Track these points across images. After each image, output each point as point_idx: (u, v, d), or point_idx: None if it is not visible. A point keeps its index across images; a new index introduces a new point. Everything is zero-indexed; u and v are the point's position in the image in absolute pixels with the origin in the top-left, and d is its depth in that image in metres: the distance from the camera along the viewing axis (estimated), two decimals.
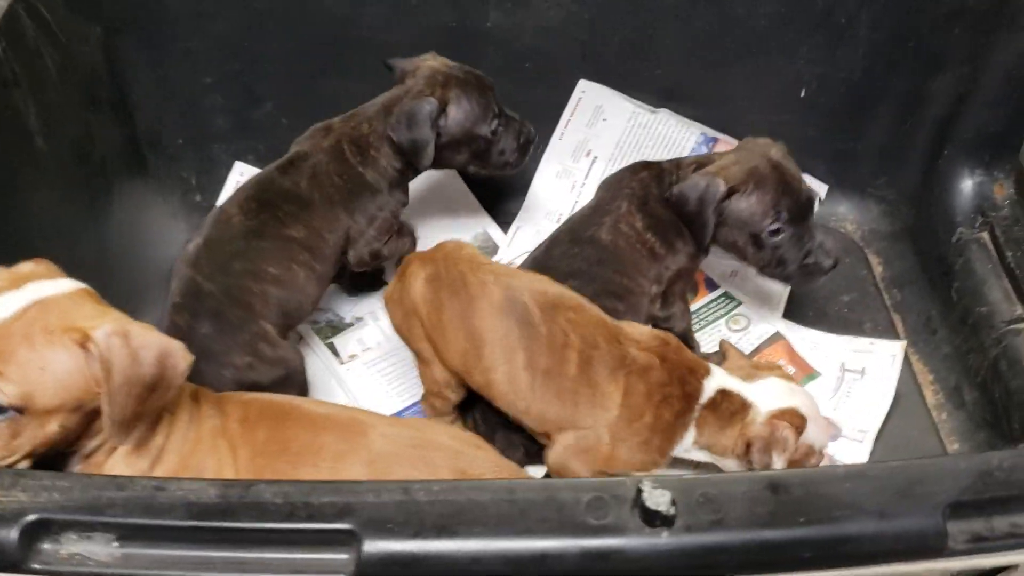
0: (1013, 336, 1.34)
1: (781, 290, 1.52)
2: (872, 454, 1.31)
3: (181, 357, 0.94)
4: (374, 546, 0.67)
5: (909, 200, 1.61)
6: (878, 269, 1.61)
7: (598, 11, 1.53)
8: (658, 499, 0.68)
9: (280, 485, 0.71)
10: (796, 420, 1.13)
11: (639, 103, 1.63)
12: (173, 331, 1.17)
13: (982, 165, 1.51)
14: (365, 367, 1.45)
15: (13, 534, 0.67)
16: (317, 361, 1.45)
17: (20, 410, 0.86)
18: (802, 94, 1.59)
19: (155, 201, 1.56)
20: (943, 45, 1.48)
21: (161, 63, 1.52)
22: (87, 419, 0.91)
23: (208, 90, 1.56)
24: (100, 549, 0.68)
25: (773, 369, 1.23)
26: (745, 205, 1.26)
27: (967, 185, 1.51)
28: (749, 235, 1.28)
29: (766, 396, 1.16)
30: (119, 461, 0.94)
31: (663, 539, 0.68)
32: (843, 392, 1.39)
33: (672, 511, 0.68)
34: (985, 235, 1.47)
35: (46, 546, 0.68)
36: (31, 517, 0.68)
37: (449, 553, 0.68)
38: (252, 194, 1.31)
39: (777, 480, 0.71)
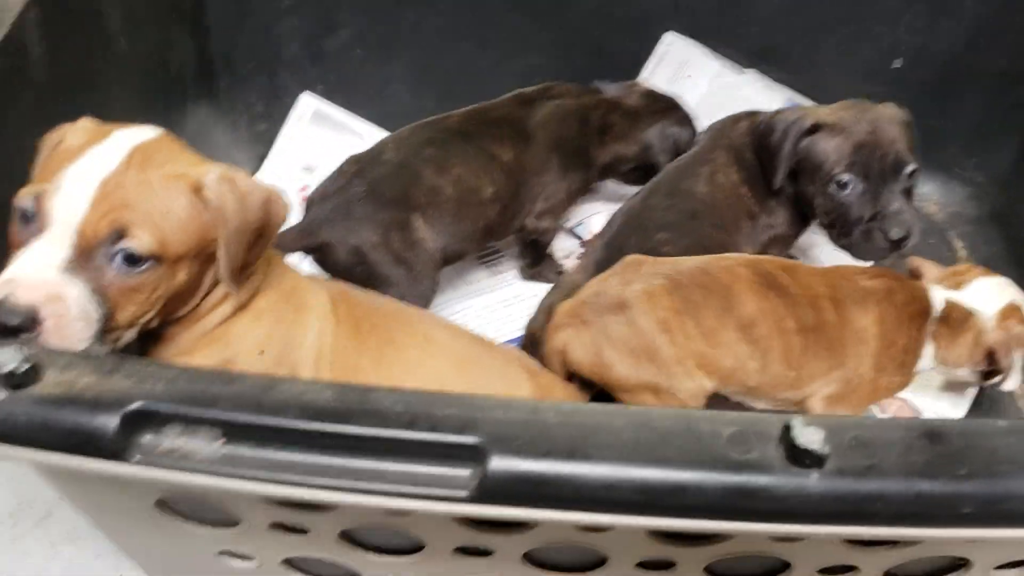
0: None
1: None
2: None
3: (282, 204, 0.90)
4: (501, 463, 0.62)
5: (999, 183, 1.55)
6: (962, 254, 1.55)
7: None
8: (810, 436, 0.63)
9: (402, 393, 0.65)
10: (1020, 313, 1.16)
11: (727, 61, 1.57)
12: (336, 175, 1.26)
13: None
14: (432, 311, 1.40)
15: (113, 422, 0.62)
16: None
17: (157, 258, 0.81)
18: (897, 64, 1.53)
19: (222, 124, 1.52)
20: None
21: None
22: (203, 270, 0.86)
23: (284, 13, 1.51)
24: (204, 446, 0.63)
25: (970, 270, 1.22)
26: (823, 146, 1.22)
27: None
28: (820, 182, 1.23)
29: (984, 298, 1.16)
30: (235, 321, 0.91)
31: (813, 480, 0.62)
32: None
33: (825, 450, 0.63)
34: None
35: (147, 438, 0.63)
36: (134, 406, 0.63)
37: (580, 476, 0.62)
38: (480, 108, 1.38)
39: (935, 428, 0.66)
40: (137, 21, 1.23)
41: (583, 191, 1.45)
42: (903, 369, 1.16)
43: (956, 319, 1.15)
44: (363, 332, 0.97)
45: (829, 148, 1.20)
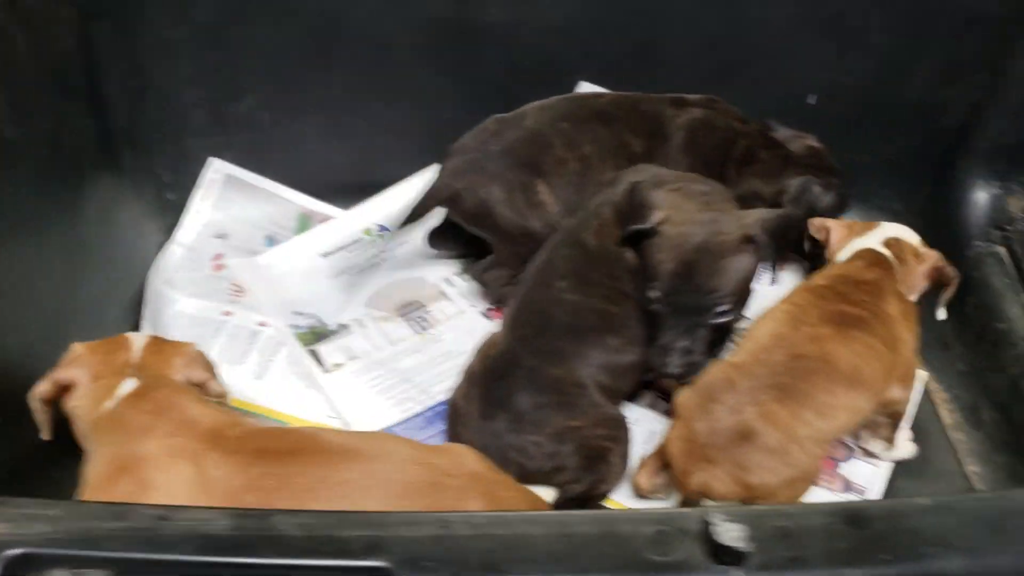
0: None
1: None
2: (891, 476, 1.26)
3: None
4: None
5: (918, 212, 1.56)
6: None
7: (602, 10, 1.47)
8: (730, 534, 0.61)
9: (302, 516, 0.62)
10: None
11: None
12: (478, 131, 1.39)
13: (997, 177, 1.47)
14: (353, 376, 1.35)
15: None
16: (296, 370, 1.36)
17: None
18: (811, 101, 1.54)
19: (128, 197, 1.46)
20: (959, 52, 1.43)
21: (137, 52, 1.42)
22: None
23: (186, 82, 1.47)
24: None
25: (865, 223, 1.30)
26: (652, 252, 1.18)
27: (982, 197, 1.47)
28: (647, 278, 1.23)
29: (901, 231, 1.26)
30: None
31: None
32: None
33: (746, 547, 0.61)
34: (1002, 249, 1.42)
35: None
36: (14, 552, 0.58)
37: None
38: (632, 96, 1.44)
39: (857, 512, 0.64)
40: (25, 107, 1.18)
41: None
42: (915, 325, 1.21)
43: (899, 251, 1.23)
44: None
45: (655, 259, 1.16)
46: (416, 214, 1.39)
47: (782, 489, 1.06)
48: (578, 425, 1.16)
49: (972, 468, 1.29)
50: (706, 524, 0.62)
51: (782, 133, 1.49)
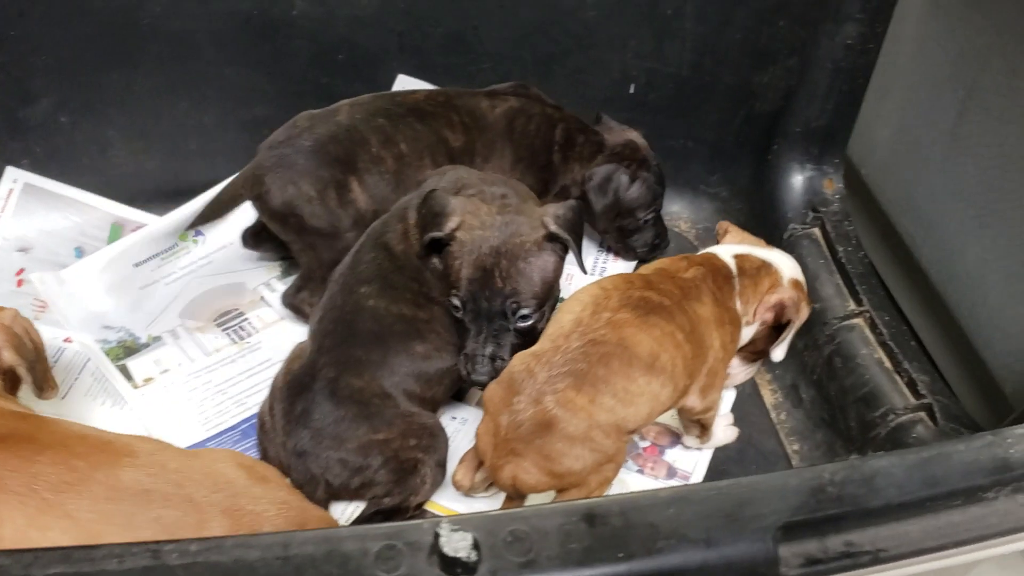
0: (846, 332, 1.31)
1: None
2: (712, 459, 1.27)
3: None
4: None
5: (742, 197, 1.58)
6: None
7: (415, 0, 1.43)
8: (457, 544, 0.58)
9: None
10: (804, 292, 1.24)
11: None
12: (289, 126, 1.31)
13: (811, 160, 1.49)
14: (164, 391, 1.29)
15: None
16: (103, 387, 1.29)
17: None
18: (631, 90, 1.54)
19: None
20: (769, 38, 1.45)
21: None
22: None
23: None
24: None
25: (763, 242, 1.30)
26: (449, 261, 1.16)
27: (797, 180, 1.49)
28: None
29: (782, 261, 1.24)
30: None
31: None
32: None
33: (474, 557, 0.58)
34: (816, 230, 1.44)
35: None
36: None
37: None
38: (448, 91, 1.39)
39: (594, 509, 0.62)
40: None
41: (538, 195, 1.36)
42: (733, 338, 1.20)
43: (751, 268, 1.22)
44: None
45: (454, 267, 1.13)
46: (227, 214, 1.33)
47: (590, 474, 1.05)
48: (384, 438, 1.12)
49: (794, 447, 1.31)
50: (436, 536, 0.59)
51: (610, 125, 1.48)
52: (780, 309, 1.22)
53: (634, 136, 1.47)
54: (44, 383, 1.08)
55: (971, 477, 0.67)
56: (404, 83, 1.51)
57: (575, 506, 0.63)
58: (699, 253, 1.26)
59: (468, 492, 1.16)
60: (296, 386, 1.15)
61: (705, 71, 1.50)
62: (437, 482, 1.17)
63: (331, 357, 1.15)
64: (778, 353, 1.25)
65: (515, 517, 0.62)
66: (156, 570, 0.57)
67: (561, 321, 1.09)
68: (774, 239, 1.47)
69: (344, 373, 1.14)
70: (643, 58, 1.50)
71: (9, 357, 1.02)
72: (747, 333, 1.24)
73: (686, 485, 1.18)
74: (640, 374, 1.05)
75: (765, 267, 1.23)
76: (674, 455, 1.28)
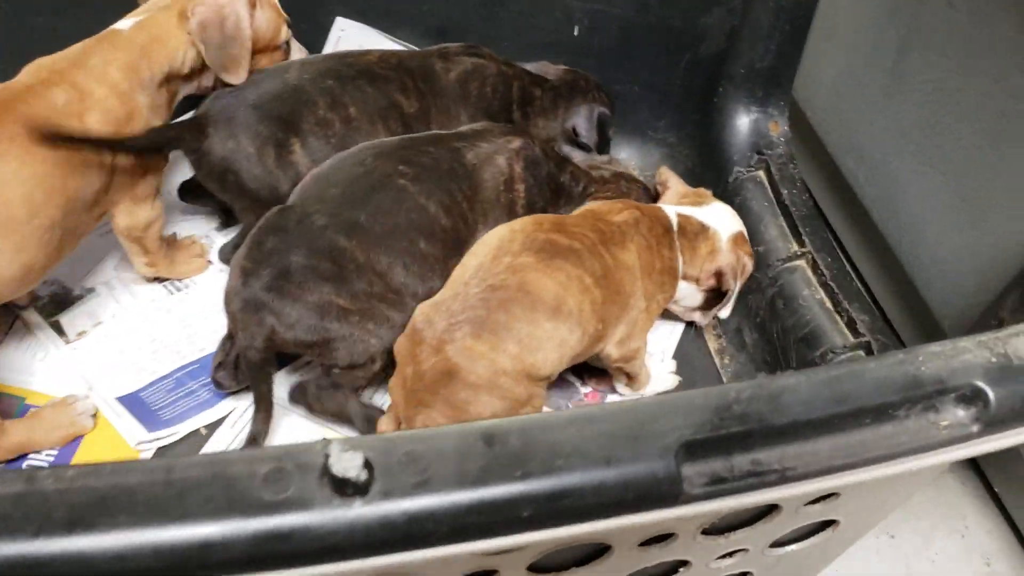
0: (788, 274, 1.31)
1: None
2: None
3: None
4: None
5: (689, 142, 1.57)
6: None
7: None
8: (346, 464, 0.57)
9: None
10: (746, 245, 1.25)
11: (404, 44, 1.50)
12: None
13: (756, 102, 1.47)
14: (96, 344, 1.27)
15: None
16: (35, 345, 1.26)
17: None
18: (575, 32, 1.51)
19: None
20: None
21: None
22: None
23: None
24: None
25: (708, 195, 1.31)
26: None
27: (743, 123, 1.48)
28: None
29: (720, 220, 1.24)
30: None
31: (355, 509, 0.56)
32: None
33: (364, 476, 0.57)
34: (761, 173, 1.43)
35: None
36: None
37: (83, 552, 0.54)
38: (400, 53, 1.35)
39: (492, 430, 0.61)
40: None
41: None
42: (665, 288, 1.21)
43: (691, 231, 1.22)
44: None
45: None
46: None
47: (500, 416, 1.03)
48: (344, 306, 1.07)
49: None
50: (326, 457, 0.57)
51: (545, 69, 1.46)
52: (720, 276, 1.22)
53: (562, 67, 1.47)
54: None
55: (881, 394, 0.66)
56: (342, 26, 1.48)
57: (473, 427, 0.61)
58: (649, 205, 1.25)
59: None
60: (272, 225, 1.10)
61: (651, 12, 1.48)
62: (380, 376, 1.15)
63: (327, 207, 1.10)
64: (724, 311, 1.27)
65: (411, 438, 0.60)
66: (31, 496, 0.55)
67: (466, 265, 1.07)
68: (719, 183, 1.46)
69: (334, 227, 1.08)
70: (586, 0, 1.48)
71: None
72: (689, 290, 1.24)
73: (590, 405, 1.16)
74: (545, 319, 1.03)
75: (704, 231, 1.23)
76: (615, 401, 1.27)
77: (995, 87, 1.10)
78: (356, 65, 1.28)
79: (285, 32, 1.31)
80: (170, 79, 1.20)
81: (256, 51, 1.27)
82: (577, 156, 1.42)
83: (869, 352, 1.17)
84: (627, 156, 1.61)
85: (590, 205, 1.21)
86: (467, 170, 1.19)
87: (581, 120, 1.44)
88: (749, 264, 1.26)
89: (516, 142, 1.24)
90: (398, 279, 1.11)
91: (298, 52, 1.36)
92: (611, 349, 1.15)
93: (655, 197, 1.38)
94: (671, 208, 1.25)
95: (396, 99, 1.28)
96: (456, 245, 1.15)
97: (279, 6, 1.31)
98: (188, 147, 1.22)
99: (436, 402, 1.01)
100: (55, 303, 1.30)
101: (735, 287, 1.25)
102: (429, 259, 1.13)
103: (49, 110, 1.05)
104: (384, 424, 1.12)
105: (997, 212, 1.13)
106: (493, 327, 1.01)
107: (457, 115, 1.33)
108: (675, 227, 1.22)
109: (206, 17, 1.19)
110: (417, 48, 1.48)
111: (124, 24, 1.18)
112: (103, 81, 1.11)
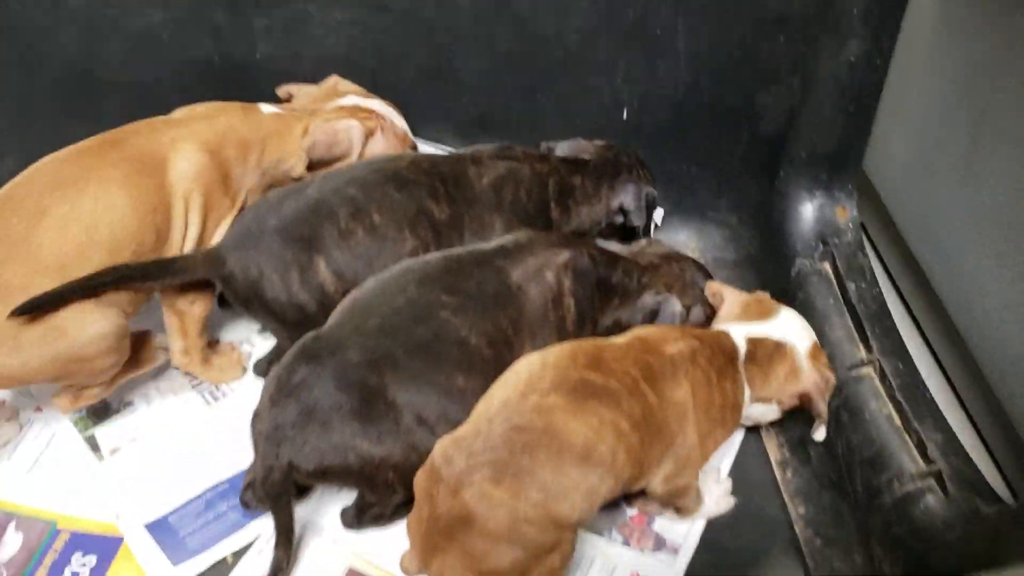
0: (855, 383, 1.19)
1: None
2: (706, 528, 1.16)
3: None
4: None
5: (751, 224, 1.46)
6: None
7: (384, 36, 1.35)
8: None
9: None
10: (823, 356, 1.14)
11: (440, 146, 1.45)
12: (260, 202, 1.23)
13: (820, 186, 1.36)
14: (129, 460, 1.24)
15: None
16: (68, 462, 1.24)
17: None
18: (624, 116, 1.43)
19: None
20: (769, 55, 1.33)
21: None
22: None
23: None
24: None
25: (770, 300, 1.19)
26: None
27: (807, 209, 1.37)
28: None
29: (793, 334, 1.13)
30: None
31: None
32: None
33: None
34: (827, 265, 1.32)
35: None
36: None
37: None
38: (431, 157, 1.30)
39: None
40: None
41: None
42: (726, 424, 1.10)
43: (764, 354, 1.11)
44: None
45: None
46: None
47: (527, 570, 0.95)
48: (367, 450, 1.02)
49: (799, 510, 1.19)
50: None
51: (564, 148, 1.39)
52: (805, 398, 1.12)
53: (598, 142, 1.40)
54: None
55: None
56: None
57: None
58: (709, 330, 1.15)
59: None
60: (306, 353, 1.05)
61: (703, 91, 1.40)
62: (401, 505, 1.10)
63: (364, 341, 1.04)
64: (818, 435, 1.15)
65: None
66: None
67: (492, 398, 1.00)
68: (782, 275, 1.36)
69: (367, 363, 1.03)
70: (634, 81, 1.41)
71: None
72: (765, 409, 1.15)
73: None
74: (572, 466, 0.94)
75: (779, 351, 1.12)
76: (663, 525, 1.17)
77: None
78: (384, 171, 1.23)
79: None
80: (276, 172, 1.28)
81: None
82: (613, 245, 1.32)
83: (940, 482, 1.05)
84: (686, 238, 1.52)
85: (639, 332, 1.11)
86: (512, 292, 1.12)
87: (629, 199, 1.36)
88: (832, 379, 1.14)
89: (564, 254, 1.17)
90: (432, 416, 1.05)
91: None
92: (656, 485, 1.07)
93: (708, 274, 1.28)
94: (739, 329, 1.14)
95: (426, 205, 1.23)
96: (499, 371, 1.07)
97: (408, 135, 1.32)
98: (206, 276, 1.19)
99: (452, 548, 0.94)
100: (94, 415, 1.29)
101: (824, 407, 1.12)
102: (467, 394, 1.06)
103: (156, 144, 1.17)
104: (406, 561, 1.06)
105: None
106: (516, 472, 0.93)
107: (491, 223, 1.27)
108: (742, 354, 1.11)
109: (319, 140, 1.28)
110: (453, 149, 1.43)
111: (267, 108, 1.28)
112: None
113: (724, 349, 1.10)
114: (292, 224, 1.18)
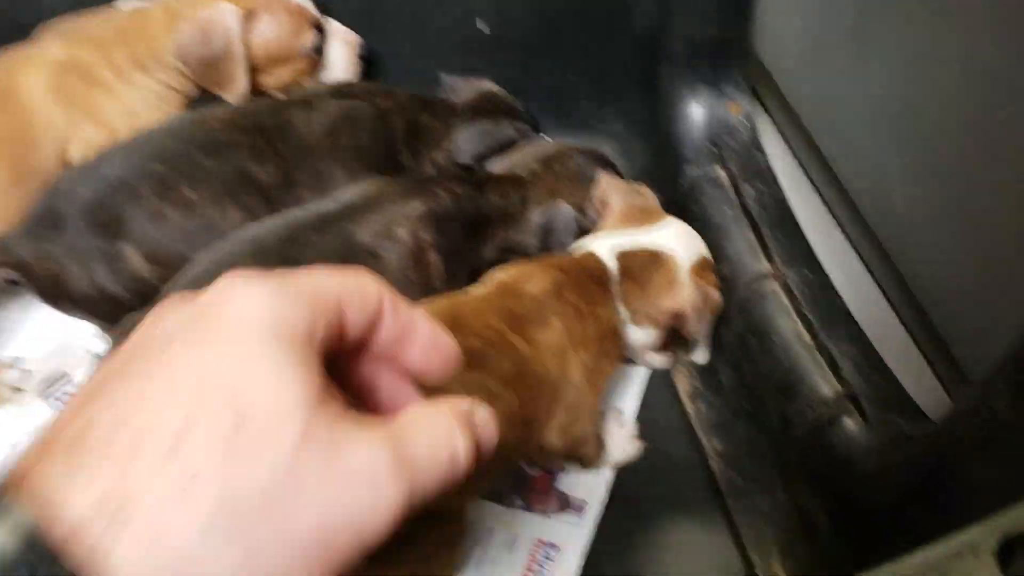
0: (759, 300, 1.06)
1: None
2: (614, 480, 1.05)
3: None
4: None
5: (640, 133, 1.32)
6: None
7: None
8: None
9: None
10: (711, 274, 1.04)
11: None
12: (53, 187, 1.06)
13: (705, 80, 1.21)
14: None
15: None
16: None
17: None
18: (484, 30, 1.27)
19: None
20: None
21: None
22: None
23: None
24: None
25: (653, 211, 1.07)
26: None
27: (693, 109, 1.22)
28: None
29: (675, 244, 1.02)
30: None
31: None
32: None
33: None
34: (719, 169, 1.18)
35: None
36: None
37: None
38: (247, 110, 1.13)
39: None
40: None
41: None
42: (610, 354, 0.99)
43: (638, 266, 1.00)
44: None
45: None
46: None
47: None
48: None
49: (716, 446, 1.08)
50: None
51: (455, 85, 1.24)
52: (679, 318, 1.00)
53: (488, 85, 1.22)
54: None
55: None
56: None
57: None
58: (574, 255, 1.02)
59: None
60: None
61: None
62: None
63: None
64: (700, 357, 1.05)
65: None
66: None
67: None
68: (674, 186, 1.22)
69: None
70: None
71: None
72: (641, 334, 1.02)
73: None
74: None
75: (655, 261, 1.00)
76: (567, 482, 1.06)
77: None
78: (192, 138, 1.07)
79: (308, 36, 1.18)
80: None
81: (270, 64, 1.17)
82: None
83: (856, 404, 0.93)
84: None
85: (497, 275, 0.98)
86: (361, 258, 0.98)
87: (461, 143, 1.19)
88: (716, 299, 1.03)
89: (416, 204, 1.03)
90: None
91: (341, 51, 1.21)
92: (553, 440, 0.95)
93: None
94: (606, 245, 1.02)
95: (248, 169, 1.07)
96: None
97: (304, 7, 1.15)
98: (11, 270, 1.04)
99: None
100: None
101: (704, 324, 1.02)
102: None
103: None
104: None
105: (993, 216, 0.87)
106: None
107: (331, 174, 1.11)
108: (615, 272, 0.99)
109: (187, 37, 1.11)
110: None
111: (127, 4, 1.19)
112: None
113: (591, 272, 0.98)
114: (90, 210, 1.02)
